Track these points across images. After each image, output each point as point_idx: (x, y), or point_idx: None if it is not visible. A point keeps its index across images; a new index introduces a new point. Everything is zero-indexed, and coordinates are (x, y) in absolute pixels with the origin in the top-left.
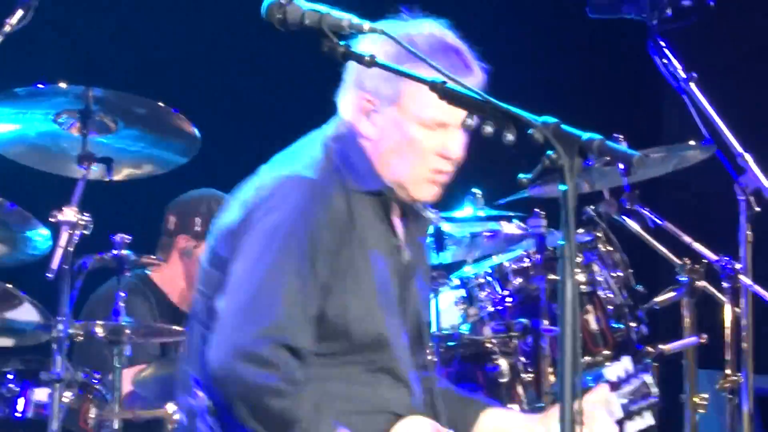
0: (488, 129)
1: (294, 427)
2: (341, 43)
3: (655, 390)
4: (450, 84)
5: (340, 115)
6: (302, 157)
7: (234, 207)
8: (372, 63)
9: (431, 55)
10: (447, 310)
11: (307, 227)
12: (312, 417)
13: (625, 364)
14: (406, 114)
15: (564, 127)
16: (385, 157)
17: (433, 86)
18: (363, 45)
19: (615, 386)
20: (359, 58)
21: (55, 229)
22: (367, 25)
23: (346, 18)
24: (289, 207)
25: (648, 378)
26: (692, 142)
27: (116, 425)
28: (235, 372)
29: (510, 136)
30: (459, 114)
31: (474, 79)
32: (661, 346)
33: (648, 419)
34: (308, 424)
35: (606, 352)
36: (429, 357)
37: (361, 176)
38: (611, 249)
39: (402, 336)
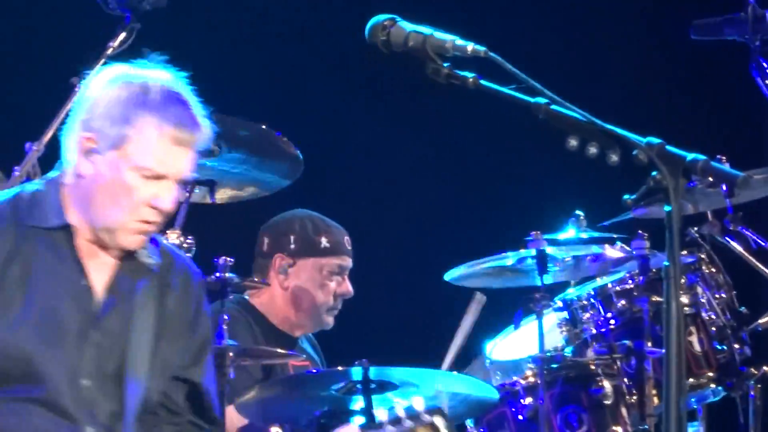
0: (593, 150)
1: None
2: (445, 65)
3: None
4: (555, 106)
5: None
6: None
7: None
8: (476, 84)
9: (163, 104)
10: (550, 331)
11: None
12: None
13: (416, 403)
14: (125, 160)
15: (668, 147)
16: (96, 199)
17: (537, 107)
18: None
19: (394, 422)
20: (463, 80)
21: None
22: (470, 46)
23: (450, 39)
24: None
25: (439, 421)
26: None
27: None
28: None
29: (614, 157)
30: (177, 168)
31: (200, 135)
32: (765, 368)
33: None
34: None
35: (710, 373)
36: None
37: (43, 214)
38: (715, 270)
39: (80, 373)
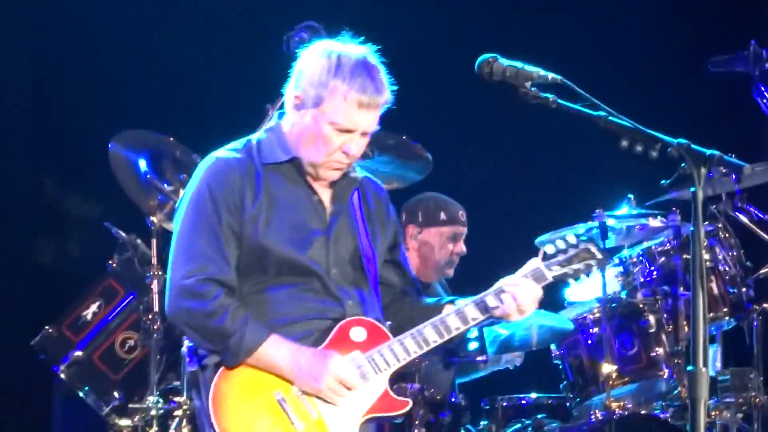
0: (639, 148)
1: (229, 339)
2: (532, 89)
3: (599, 254)
4: (611, 117)
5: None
6: (228, 145)
7: None
8: (555, 103)
9: (350, 74)
10: (610, 281)
11: (210, 192)
12: (242, 327)
13: (567, 236)
14: (323, 116)
15: (693, 146)
16: (302, 142)
17: (598, 119)
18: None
19: (550, 257)
20: (545, 100)
21: None
22: (551, 75)
23: (535, 71)
24: (198, 180)
25: (591, 246)
26: None
27: None
28: (178, 306)
29: (654, 153)
30: (361, 125)
31: (380, 98)
32: (764, 305)
33: (589, 277)
34: (240, 333)
35: (725, 309)
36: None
37: (272, 152)
38: (728, 235)
39: (330, 264)
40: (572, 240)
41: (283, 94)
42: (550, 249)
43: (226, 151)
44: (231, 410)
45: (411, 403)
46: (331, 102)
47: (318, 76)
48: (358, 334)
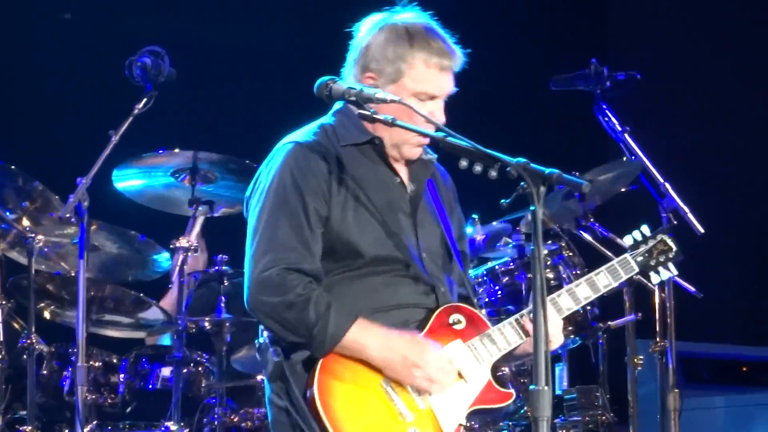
0: (477, 168)
1: (312, 329)
2: (371, 111)
3: (675, 248)
4: (450, 137)
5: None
6: (299, 131)
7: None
8: (393, 124)
9: (425, 41)
10: None
11: (294, 178)
12: (324, 315)
13: (643, 229)
14: (404, 90)
15: (532, 165)
16: (383, 123)
17: (437, 139)
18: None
19: (633, 248)
20: (384, 122)
21: (173, 253)
22: (389, 97)
23: (373, 92)
24: (278, 167)
25: (667, 238)
26: (624, 158)
27: (221, 392)
28: (257, 300)
29: (494, 173)
30: (445, 88)
31: (457, 58)
32: (609, 323)
33: (670, 271)
34: (324, 321)
35: (570, 328)
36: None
37: (349, 133)
38: (572, 254)
39: (420, 249)
40: (647, 232)
41: (342, 77)
42: (629, 240)
43: (303, 135)
44: (338, 403)
45: (514, 395)
46: (412, 73)
47: (393, 50)
48: (457, 321)
